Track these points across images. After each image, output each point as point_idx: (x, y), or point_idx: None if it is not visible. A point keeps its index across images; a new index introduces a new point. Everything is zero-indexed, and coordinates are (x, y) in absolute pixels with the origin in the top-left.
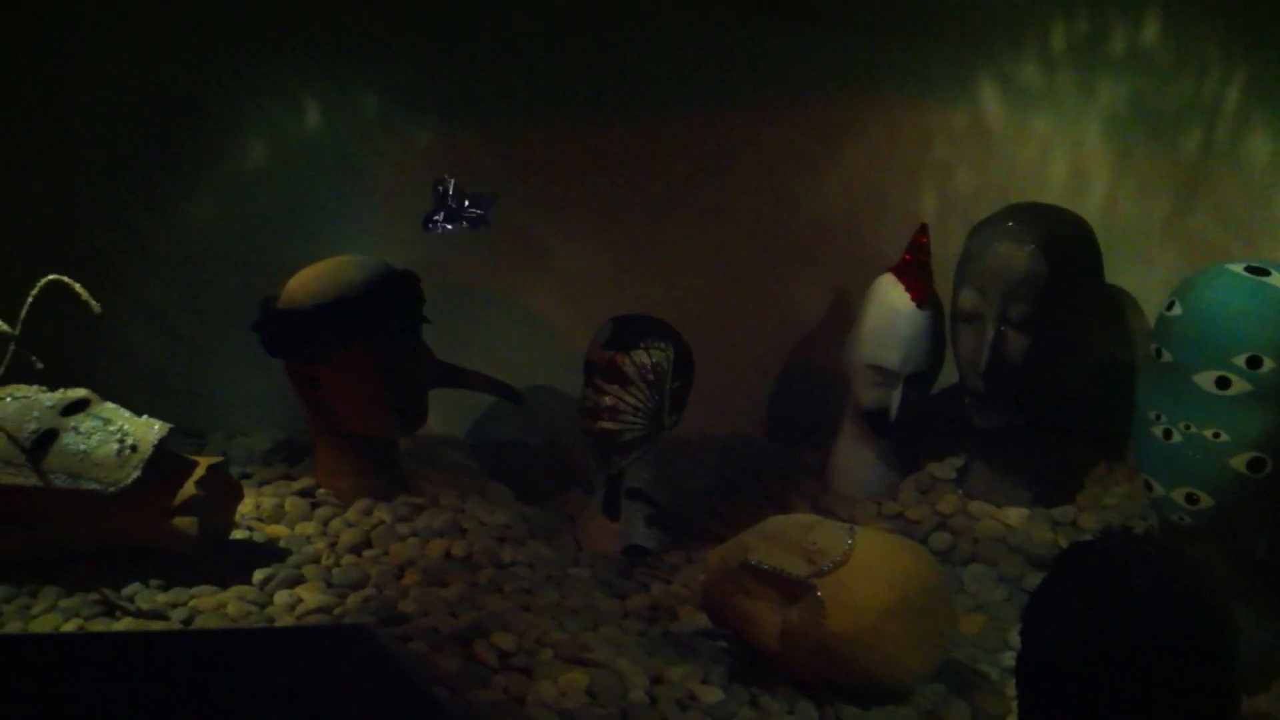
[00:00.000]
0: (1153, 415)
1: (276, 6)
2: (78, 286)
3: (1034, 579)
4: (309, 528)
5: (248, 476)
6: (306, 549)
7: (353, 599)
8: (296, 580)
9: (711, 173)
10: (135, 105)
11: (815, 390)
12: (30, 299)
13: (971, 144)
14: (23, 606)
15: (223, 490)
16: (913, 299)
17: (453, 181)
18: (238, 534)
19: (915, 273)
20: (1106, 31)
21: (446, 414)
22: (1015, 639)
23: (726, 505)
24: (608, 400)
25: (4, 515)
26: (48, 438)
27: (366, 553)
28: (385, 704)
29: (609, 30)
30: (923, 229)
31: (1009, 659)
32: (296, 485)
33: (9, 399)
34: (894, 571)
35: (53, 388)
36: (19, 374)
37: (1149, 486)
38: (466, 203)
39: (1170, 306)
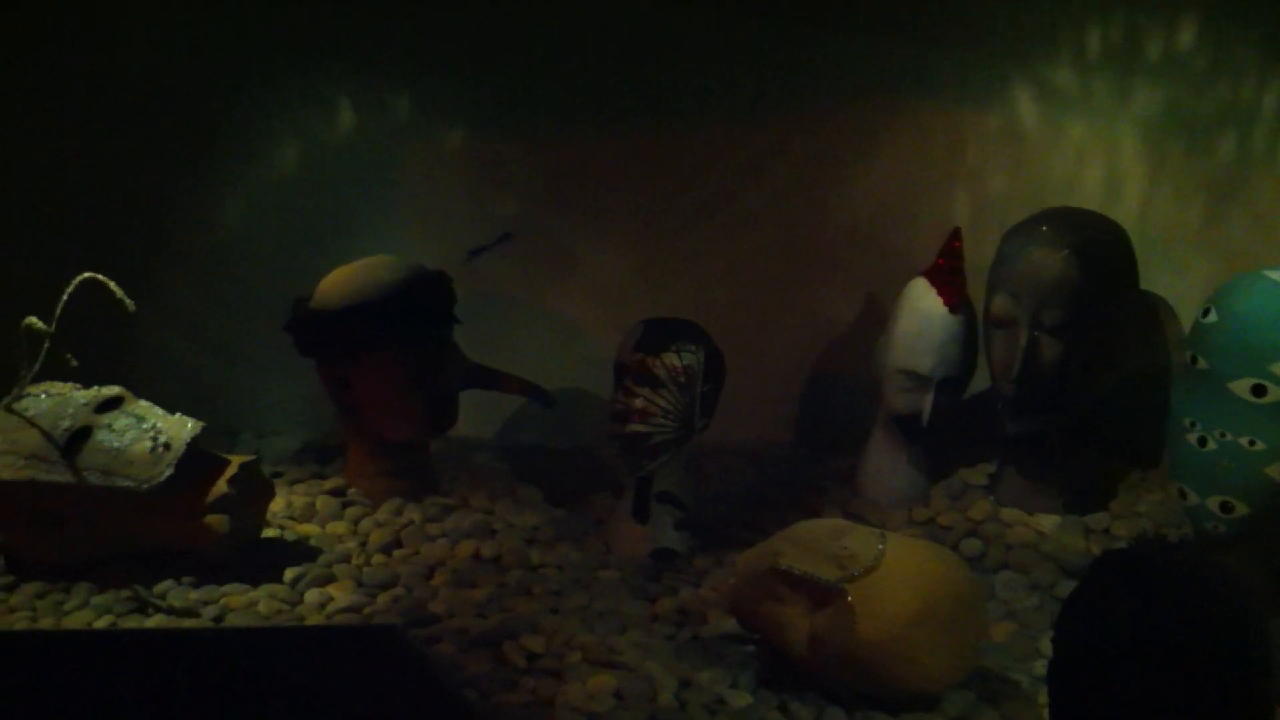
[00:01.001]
0: (1187, 423)
1: (312, 11)
2: (112, 285)
3: (1066, 587)
4: (340, 527)
5: (279, 475)
6: (337, 548)
7: (383, 598)
8: (327, 579)
9: (744, 179)
10: (172, 108)
11: (846, 395)
12: (65, 297)
13: (1005, 149)
14: (56, 603)
15: (254, 489)
16: (945, 303)
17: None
18: (269, 532)
19: (948, 277)
20: (1142, 36)
21: (477, 416)
22: (1046, 647)
23: (756, 510)
24: (638, 403)
25: (38, 512)
26: (82, 435)
27: (397, 553)
28: (414, 704)
29: (641, 38)
30: (956, 233)
31: (1040, 667)
32: (327, 485)
33: (44, 396)
34: (925, 578)
35: (87, 385)
36: (54, 371)
37: (1183, 494)
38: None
39: (1206, 313)
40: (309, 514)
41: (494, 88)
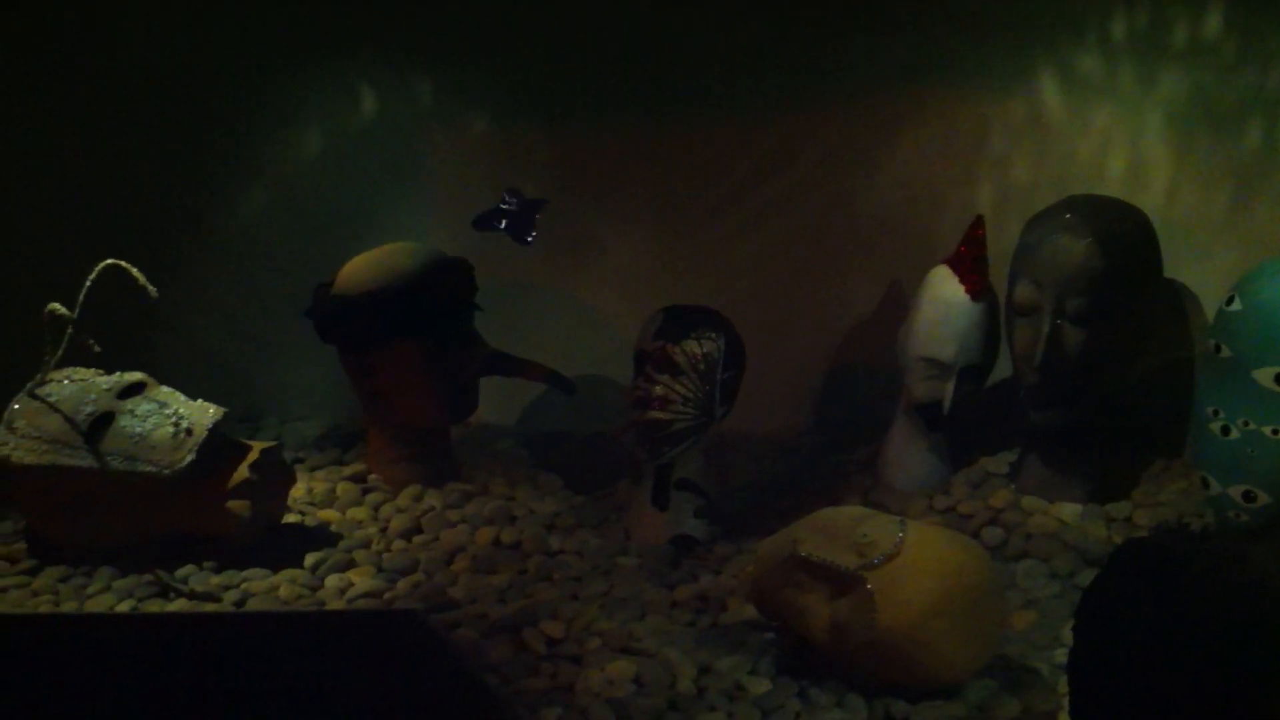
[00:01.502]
0: (1210, 411)
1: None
2: (134, 271)
3: (1087, 575)
4: (360, 513)
5: (300, 461)
6: (357, 534)
7: (403, 584)
8: (347, 565)
9: (768, 167)
10: (196, 94)
11: (867, 383)
12: (88, 283)
13: (1029, 136)
14: (78, 587)
15: (276, 474)
16: (968, 291)
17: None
18: (290, 518)
19: (970, 265)
20: (1167, 22)
21: (497, 402)
22: (1067, 635)
23: (776, 497)
24: (658, 390)
25: (61, 496)
26: (104, 420)
27: (417, 539)
28: (434, 689)
29: (667, 26)
30: (978, 221)
31: (1060, 655)
32: (348, 470)
33: (66, 381)
34: (945, 566)
35: (109, 371)
36: (76, 357)
37: (1206, 483)
38: (517, 207)
39: (1230, 301)
40: (330, 500)
41: (518, 76)
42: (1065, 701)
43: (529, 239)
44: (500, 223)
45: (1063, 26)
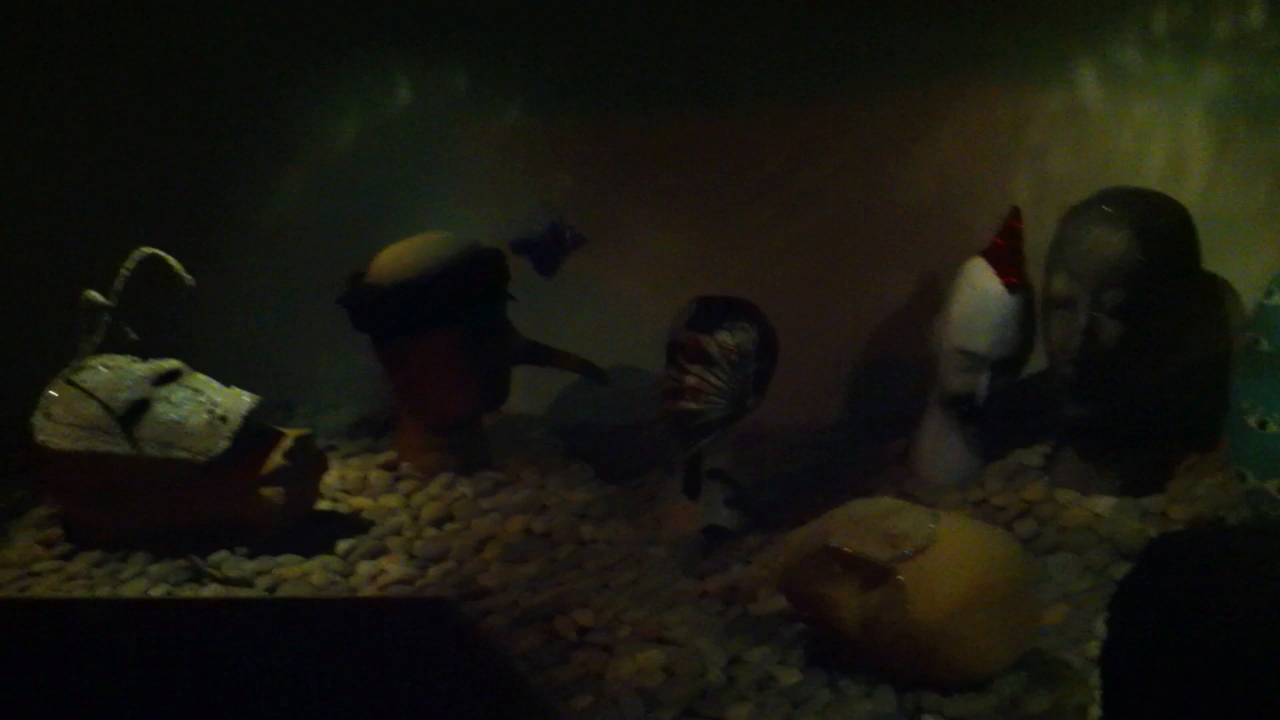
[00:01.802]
0: (1248, 405)
1: None
2: (171, 259)
3: (1121, 569)
4: (392, 500)
5: (333, 449)
6: (389, 521)
7: (434, 571)
8: (379, 552)
9: (802, 158)
10: (231, 83)
11: (901, 375)
12: (125, 271)
13: (1067, 127)
14: (112, 571)
15: (309, 462)
16: (1004, 283)
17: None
18: (322, 505)
19: (1006, 256)
20: (1208, 13)
21: (529, 392)
22: (1100, 629)
23: (807, 488)
24: (691, 380)
25: (96, 482)
26: (140, 407)
27: (448, 526)
28: (465, 677)
29: (701, 16)
30: (1015, 212)
31: (1093, 649)
32: (380, 458)
33: (103, 368)
34: (978, 558)
35: (145, 358)
36: (113, 344)
37: (1242, 478)
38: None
39: (1269, 294)
40: (361, 487)
41: (553, 66)
42: (1097, 695)
43: (551, 273)
44: (532, 250)
45: (1102, 17)
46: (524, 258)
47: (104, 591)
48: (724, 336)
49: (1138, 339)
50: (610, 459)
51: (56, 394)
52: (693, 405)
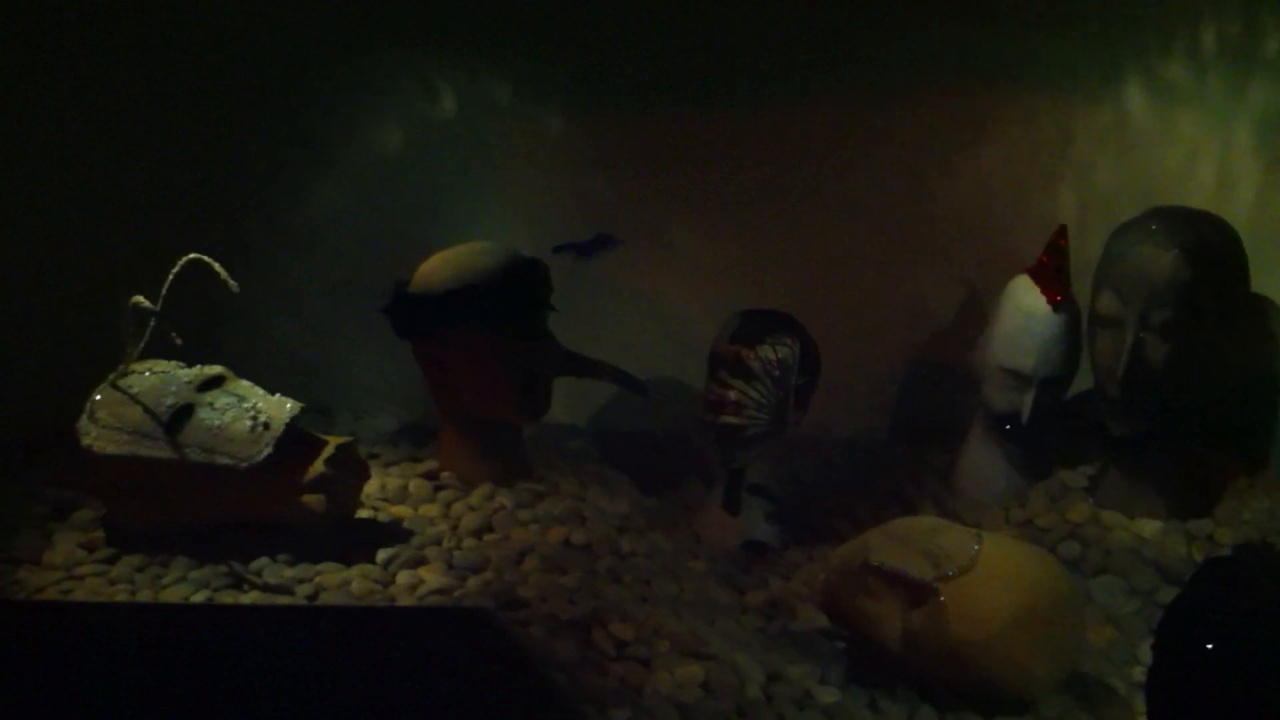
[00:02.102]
0: None
1: None
2: (217, 265)
3: (1166, 593)
4: (432, 510)
5: (374, 457)
6: (429, 530)
7: (473, 582)
8: (419, 561)
9: (847, 168)
10: (275, 91)
11: (944, 392)
12: (171, 276)
13: (1115, 143)
14: (154, 576)
15: (350, 470)
16: (1049, 301)
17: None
18: (363, 513)
19: (1052, 275)
20: (1258, 29)
21: (569, 402)
22: (1145, 653)
23: (849, 505)
24: (732, 394)
25: (141, 487)
26: (184, 412)
27: (487, 537)
28: (503, 688)
29: (745, 20)
30: (1061, 230)
31: (1138, 673)
32: (421, 467)
33: (148, 373)
34: (1022, 579)
35: (190, 364)
36: (158, 349)
37: None
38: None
39: None
40: (402, 496)
41: (598, 73)
42: None
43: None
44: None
45: (1152, 31)
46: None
47: (145, 596)
48: (766, 350)
49: (1185, 359)
50: (650, 471)
51: (102, 398)
52: (734, 419)
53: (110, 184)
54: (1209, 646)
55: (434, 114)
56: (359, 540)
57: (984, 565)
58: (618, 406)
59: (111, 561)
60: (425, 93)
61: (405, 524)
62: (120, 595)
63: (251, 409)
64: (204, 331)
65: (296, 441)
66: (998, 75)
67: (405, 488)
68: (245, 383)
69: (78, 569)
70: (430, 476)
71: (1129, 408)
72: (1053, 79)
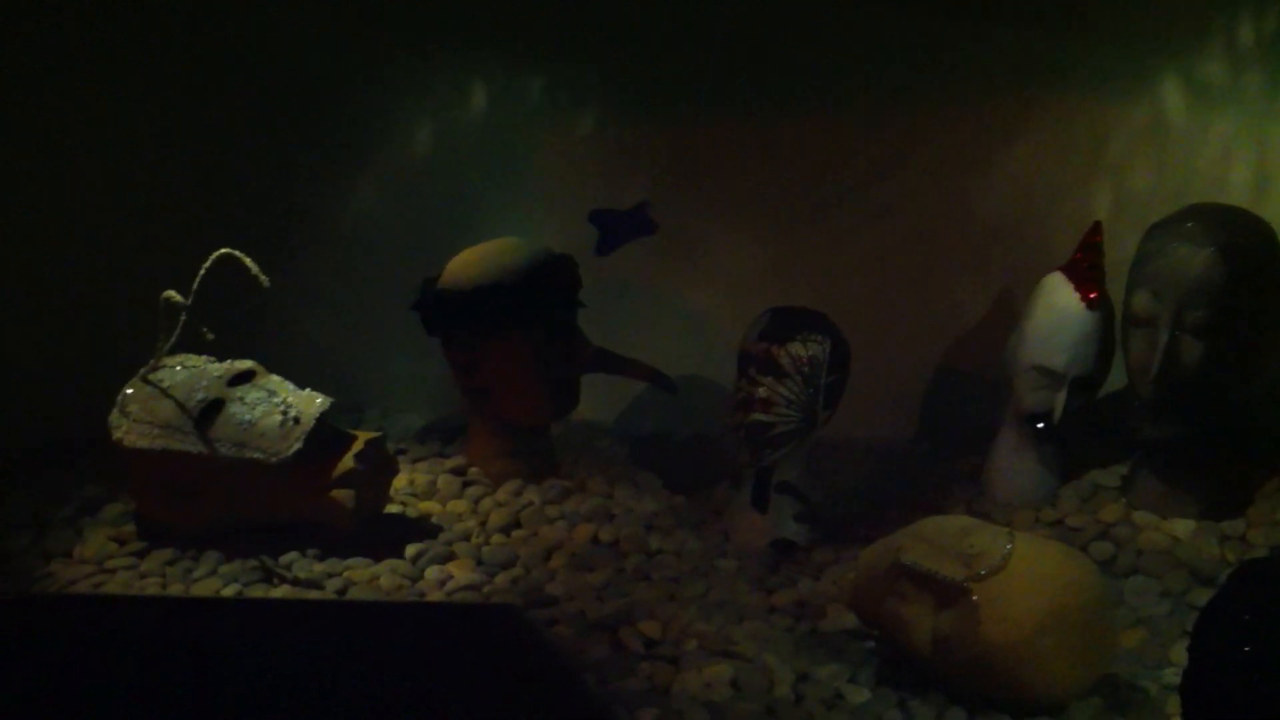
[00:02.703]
0: None
1: None
2: (248, 261)
3: (1199, 594)
4: (460, 506)
5: (403, 453)
6: (457, 527)
7: (501, 578)
8: (447, 557)
9: (878, 170)
10: (306, 91)
11: (976, 391)
12: (202, 271)
13: (1149, 142)
14: (185, 570)
15: (379, 465)
16: (1083, 300)
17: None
18: (392, 508)
19: (1086, 273)
20: None
21: (599, 400)
22: (1177, 655)
23: (878, 504)
24: (762, 392)
25: (171, 481)
26: (215, 407)
27: (516, 533)
28: (531, 686)
29: (776, 27)
30: (1095, 228)
31: (1170, 675)
32: (449, 464)
33: (179, 368)
34: (1054, 580)
35: (220, 359)
36: (190, 344)
37: None
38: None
39: None
40: (431, 492)
41: (628, 73)
42: None
43: (608, 252)
44: (605, 220)
45: (1186, 29)
46: (596, 226)
47: (176, 590)
48: (796, 348)
49: (1219, 359)
50: (678, 469)
51: (133, 392)
52: (763, 417)
53: (140, 182)
54: (1246, 649)
55: (468, 115)
56: (388, 536)
57: (1016, 566)
58: (647, 404)
59: (142, 555)
60: (459, 94)
61: (434, 520)
62: (151, 589)
63: (282, 404)
64: (235, 327)
65: (326, 437)
66: (1030, 78)
67: (434, 483)
68: (276, 378)
69: (109, 563)
70: (458, 472)
71: (1162, 408)
72: (1085, 80)
